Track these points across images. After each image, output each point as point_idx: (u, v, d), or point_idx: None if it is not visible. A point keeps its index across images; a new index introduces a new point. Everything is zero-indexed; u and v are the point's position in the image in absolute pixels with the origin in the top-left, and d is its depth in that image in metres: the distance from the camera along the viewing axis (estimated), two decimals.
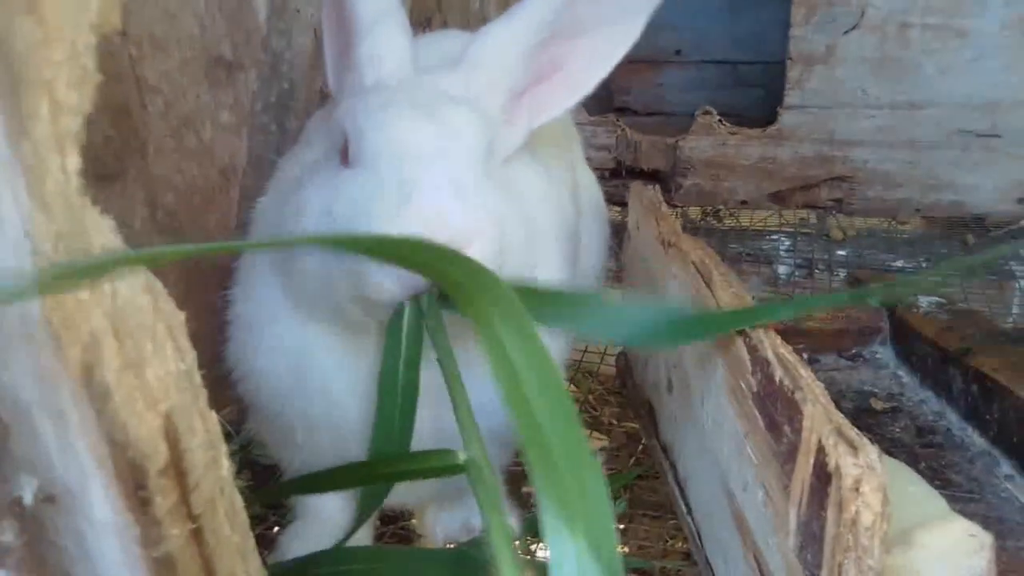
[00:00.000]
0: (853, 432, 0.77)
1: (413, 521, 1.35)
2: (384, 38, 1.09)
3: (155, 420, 0.51)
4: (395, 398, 0.90)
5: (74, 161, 0.44)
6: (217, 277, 1.22)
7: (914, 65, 2.42)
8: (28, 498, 0.49)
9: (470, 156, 0.95)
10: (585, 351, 1.91)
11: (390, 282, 0.87)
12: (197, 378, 0.57)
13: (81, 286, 0.46)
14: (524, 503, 1.43)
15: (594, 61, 1.11)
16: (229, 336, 1.16)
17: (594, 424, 1.68)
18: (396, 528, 1.36)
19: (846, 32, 2.43)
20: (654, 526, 1.41)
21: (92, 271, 0.45)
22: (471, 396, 0.95)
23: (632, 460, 1.56)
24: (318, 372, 1.07)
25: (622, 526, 1.40)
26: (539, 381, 0.40)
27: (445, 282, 0.47)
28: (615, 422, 1.70)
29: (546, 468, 0.47)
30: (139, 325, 0.50)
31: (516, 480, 1.44)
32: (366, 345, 1.03)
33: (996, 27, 2.34)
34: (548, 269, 1.16)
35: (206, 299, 1.21)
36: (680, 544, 1.35)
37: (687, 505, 1.26)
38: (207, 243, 1.45)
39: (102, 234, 0.49)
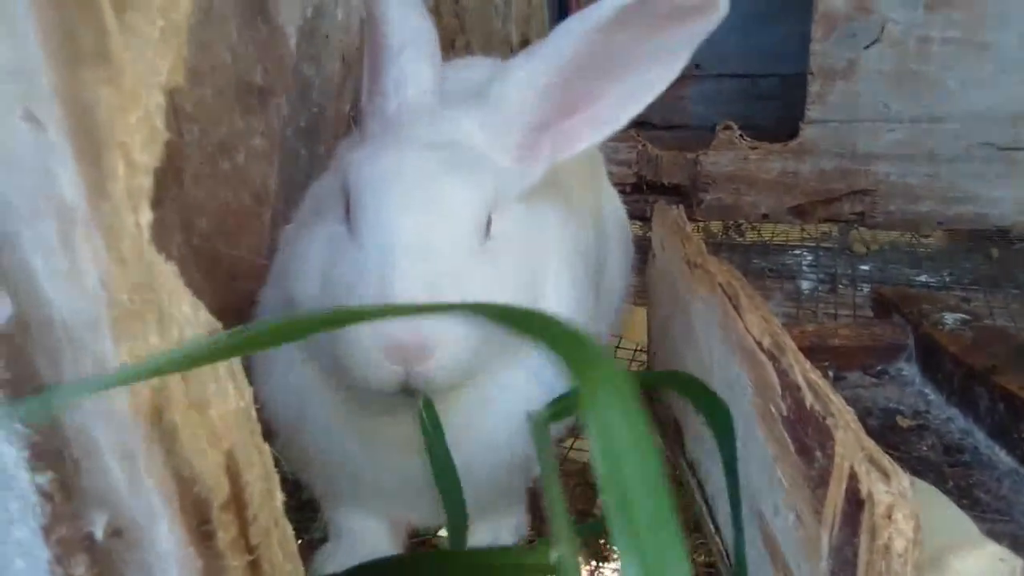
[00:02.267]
0: (885, 459, 0.78)
1: (442, 533, 1.36)
2: (409, 66, 1.11)
3: (218, 457, 0.54)
4: (454, 484, 0.99)
5: (146, 216, 0.47)
6: (250, 305, 1.25)
7: (935, 79, 2.42)
8: (99, 533, 0.52)
9: (458, 236, 0.95)
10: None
11: (379, 380, 0.91)
12: (253, 413, 0.60)
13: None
14: (543, 513, 1.45)
15: (626, 99, 1.08)
16: (249, 364, 1.18)
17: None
18: (427, 547, 1.37)
19: (867, 47, 2.44)
20: None
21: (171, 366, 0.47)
22: (485, 434, 1.05)
23: None
24: (319, 411, 1.08)
25: None
26: (638, 466, 0.40)
27: (556, 354, 0.49)
28: None
29: (633, 553, 0.46)
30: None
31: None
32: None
33: (1017, 40, 2.34)
34: (558, 302, 1.14)
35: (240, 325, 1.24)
36: (703, 558, 1.37)
37: (715, 524, 1.27)
38: (240, 265, 1.48)
39: (169, 280, 0.52)
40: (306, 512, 1.34)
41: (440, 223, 0.94)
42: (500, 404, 1.06)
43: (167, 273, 0.51)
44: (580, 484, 1.59)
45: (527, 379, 1.07)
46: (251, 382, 1.16)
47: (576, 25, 1.02)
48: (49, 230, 0.45)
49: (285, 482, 1.32)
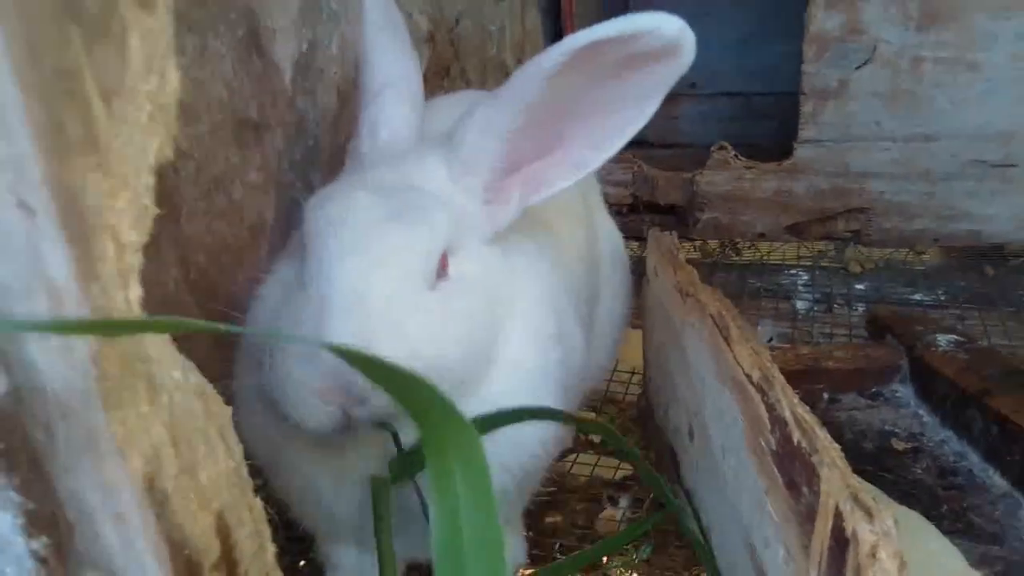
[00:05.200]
0: (869, 498, 0.79)
1: None
2: (386, 109, 1.12)
3: (208, 519, 0.55)
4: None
5: (136, 292, 0.48)
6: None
7: (927, 98, 2.45)
8: None
9: (398, 281, 0.94)
10: (611, 380, 1.93)
11: (316, 421, 0.91)
12: (244, 471, 0.61)
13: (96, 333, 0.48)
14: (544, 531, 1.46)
15: (597, 142, 1.06)
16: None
17: (616, 452, 1.70)
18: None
19: (858, 67, 2.46)
20: (677, 554, 1.44)
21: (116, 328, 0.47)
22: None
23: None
24: (290, 447, 1.08)
25: (646, 558, 1.43)
26: (477, 529, 0.40)
27: (411, 409, 0.50)
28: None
29: None
30: (194, 430, 0.54)
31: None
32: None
33: (1007, 60, 2.36)
34: (524, 341, 1.11)
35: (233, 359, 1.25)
36: (702, 574, 1.38)
37: (711, 552, 1.28)
38: (237, 299, 1.49)
39: (159, 348, 0.53)
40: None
41: (379, 270, 0.93)
42: None
43: (157, 342, 0.52)
44: (582, 500, 1.60)
45: (486, 410, 1.04)
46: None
47: (534, 69, 1.00)
48: (42, 308, 0.46)
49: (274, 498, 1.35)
